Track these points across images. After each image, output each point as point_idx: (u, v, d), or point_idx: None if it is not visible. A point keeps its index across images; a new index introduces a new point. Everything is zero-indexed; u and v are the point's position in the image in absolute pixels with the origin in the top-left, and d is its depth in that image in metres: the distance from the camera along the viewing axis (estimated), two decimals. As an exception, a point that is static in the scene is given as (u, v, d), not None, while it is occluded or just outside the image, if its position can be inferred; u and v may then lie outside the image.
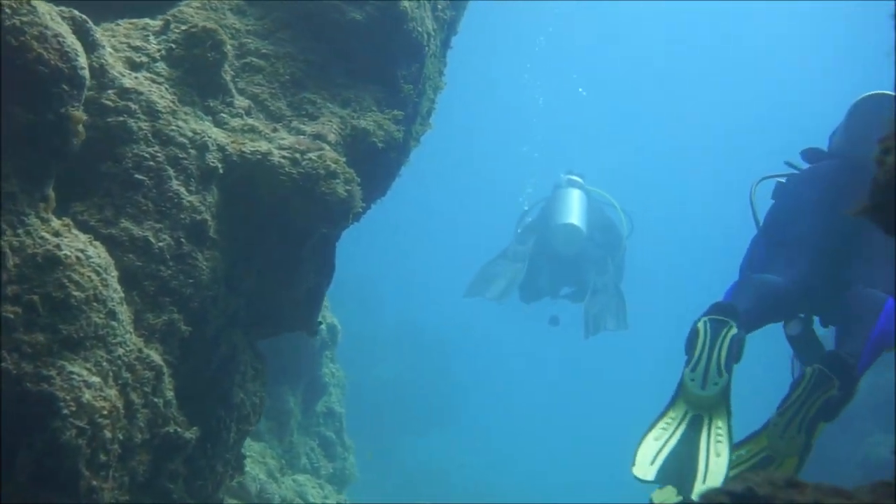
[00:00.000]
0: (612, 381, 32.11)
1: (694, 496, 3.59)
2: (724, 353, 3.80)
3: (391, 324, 23.58)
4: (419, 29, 3.86)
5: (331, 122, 3.58)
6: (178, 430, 3.01)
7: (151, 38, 3.31)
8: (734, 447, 3.81)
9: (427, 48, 3.99)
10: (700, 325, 3.89)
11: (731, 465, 3.71)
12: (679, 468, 3.69)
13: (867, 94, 4.49)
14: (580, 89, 28.83)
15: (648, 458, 3.71)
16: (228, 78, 3.45)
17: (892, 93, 4.43)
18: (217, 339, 3.37)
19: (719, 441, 3.73)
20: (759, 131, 32.97)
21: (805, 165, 5.00)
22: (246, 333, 3.70)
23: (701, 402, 3.79)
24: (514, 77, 30.50)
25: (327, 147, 3.45)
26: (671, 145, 37.28)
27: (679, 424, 3.80)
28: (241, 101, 3.50)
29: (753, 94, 34.73)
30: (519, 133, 30.59)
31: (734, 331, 3.86)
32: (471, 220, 33.73)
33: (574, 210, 10.61)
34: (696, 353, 3.82)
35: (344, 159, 3.46)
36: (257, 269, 3.57)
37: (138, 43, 3.27)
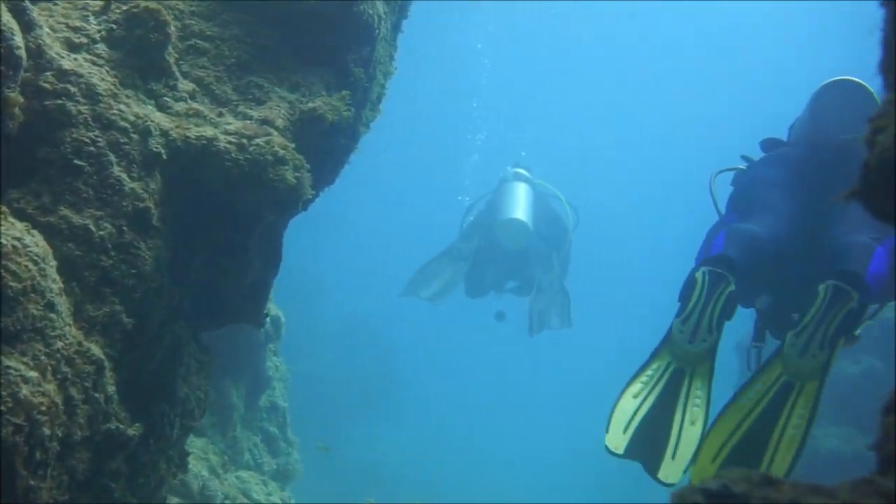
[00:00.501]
0: (559, 376, 32.32)
1: (660, 475, 3.56)
2: (718, 310, 3.73)
3: (334, 316, 23.52)
4: (370, 11, 3.78)
5: (279, 106, 3.48)
6: (120, 426, 2.91)
7: (91, 18, 3.19)
8: (748, 384, 3.79)
9: (378, 31, 3.91)
10: (699, 275, 3.79)
11: (744, 409, 3.69)
12: (651, 438, 3.65)
13: (831, 80, 4.47)
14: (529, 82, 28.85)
15: (622, 422, 3.68)
16: (172, 60, 3.35)
17: (856, 79, 4.42)
18: (161, 332, 3.27)
19: (696, 406, 3.71)
20: (712, 124, 33.40)
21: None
22: (190, 325, 3.60)
23: (686, 356, 3.76)
24: (463, 63, 30.44)
25: (275, 132, 3.36)
26: (623, 137, 37.63)
27: (660, 378, 3.76)
28: (185, 85, 3.39)
29: (705, 84, 35.10)
30: (468, 122, 30.61)
31: (732, 287, 3.77)
32: (418, 211, 33.69)
33: (520, 204, 10.59)
34: (691, 304, 3.75)
35: (293, 145, 3.36)
36: (202, 258, 3.47)
37: (78, 23, 3.15)
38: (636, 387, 3.76)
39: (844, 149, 4.22)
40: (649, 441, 3.64)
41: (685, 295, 3.80)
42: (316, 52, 3.72)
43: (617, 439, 3.63)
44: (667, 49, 35.08)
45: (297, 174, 3.31)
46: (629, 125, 37.29)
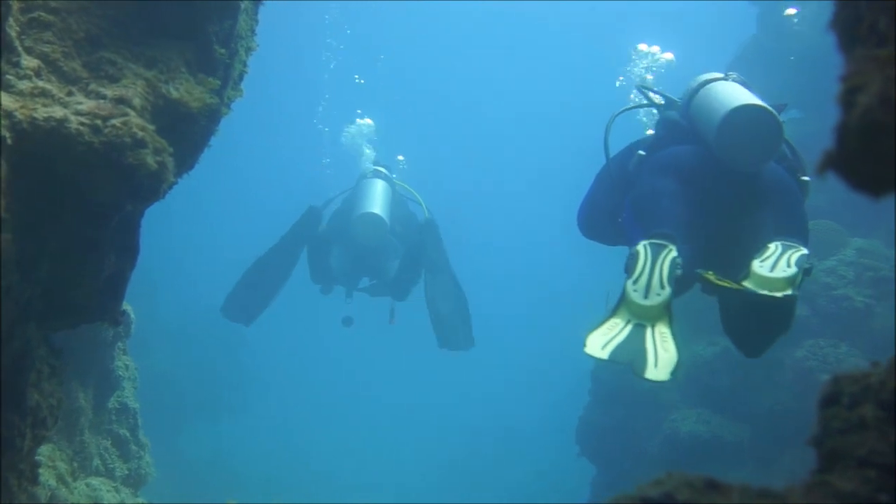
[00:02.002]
0: (408, 378, 32.57)
1: (647, 375, 3.79)
2: (665, 270, 3.97)
3: (175, 309, 23.09)
4: (232, -20, 3.57)
5: (135, 84, 3.24)
6: (-31, 442, 2.65)
7: (-82, -15, 2.89)
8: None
9: (240, 2, 3.69)
10: (640, 247, 4.08)
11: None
12: (630, 354, 3.86)
13: (743, 103, 4.66)
14: (358, 78, 28.65)
15: (599, 345, 3.88)
16: (14, 34, 3.06)
17: (765, 105, 4.68)
18: (10, 334, 3.00)
19: (665, 341, 3.91)
20: (564, 131, 34.22)
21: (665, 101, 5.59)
22: (40, 326, 3.33)
23: (643, 312, 3.94)
24: (313, 58, 30.10)
25: (132, 112, 3.11)
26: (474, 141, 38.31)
27: (623, 328, 3.94)
28: (29, 62, 3.11)
29: (564, 94, 35.93)
30: (315, 116, 30.41)
31: (674, 253, 4.06)
32: (264, 204, 33.35)
33: (377, 200, 10.74)
34: (638, 269, 4.00)
35: (153, 127, 3.13)
36: (53, 252, 3.20)
37: None
38: (601, 331, 3.96)
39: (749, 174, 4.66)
40: (628, 356, 3.88)
41: (630, 264, 4.08)
42: (174, 24, 3.48)
43: (597, 351, 3.86)
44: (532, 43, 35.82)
45: (158, 158, 3.09)
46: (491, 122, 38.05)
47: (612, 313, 4.05)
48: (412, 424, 31.07)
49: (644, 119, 6.26)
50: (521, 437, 30.02)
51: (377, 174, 11.36)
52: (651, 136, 5.40)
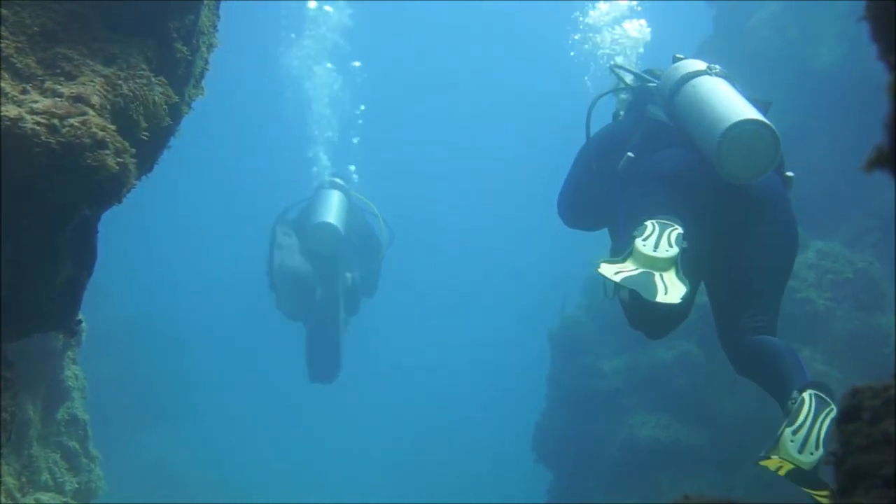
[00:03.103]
0: (356, 383, 32.57)
1: (658, 299, 3.94)
2: (673, 238, 4.16)
3: (116, 316, 22.85)
4: (194, -26, 3.45)
5: (93, 82, 3.11)
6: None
7: None
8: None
9: (202, -2, 3.58)
10: (648, 223, 4.23)
11: None
12: (639, 285, 4.04)
13: (743, 118, 4.62)
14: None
15: (611, 271, 4.07)
16: (-36, 28, 2.93)
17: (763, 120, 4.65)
18: (-38, 347, 2.87)
19: (673, 281, 4.08)
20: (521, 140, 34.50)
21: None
22: (-7, 337, 3.19)
23: (652, 262, 4.08)
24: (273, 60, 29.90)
25: (91, 111, 2.99)
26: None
27: (633, 269, 4.12)
28: (-20, 57, 2.98)
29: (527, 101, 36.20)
30: (271, 120, 30.30)
31: (680, 230, 4.23)
32: (213, 211, 33.15)
33: (333, 210, 10.89)
34: (647, 232, 4.17)
35: (113, 126, 3.00)
36: (6, 258, 3.07)
37: None
38: (611, 265, 4.20)
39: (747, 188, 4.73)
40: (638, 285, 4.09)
41: (638, 228, 4.26)
42: (134, 19, 3.35)
43: (609, 274, 4.15)
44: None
45: (119, 159, 2.97)
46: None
47: (624, 257, 4.17)
48: (361, 429, 31.04)
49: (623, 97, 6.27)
50: (475, 444, 30.02)
51: (334, 185, 11.43)
52: (637, 135, 5.27)
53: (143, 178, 3.77)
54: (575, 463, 13.20)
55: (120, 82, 3.18)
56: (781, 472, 3.94)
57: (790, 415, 3.96)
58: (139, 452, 21.07)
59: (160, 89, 3.27)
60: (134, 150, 3.07)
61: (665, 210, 4.61)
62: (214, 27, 3.90)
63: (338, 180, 11.63)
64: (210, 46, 3.90)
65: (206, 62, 3.92)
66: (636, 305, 4.19)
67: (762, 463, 3.97)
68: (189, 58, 3.64)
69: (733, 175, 4.63)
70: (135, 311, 23.27)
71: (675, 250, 4.11)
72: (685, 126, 5.00)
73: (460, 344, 36.16)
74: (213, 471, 23.77)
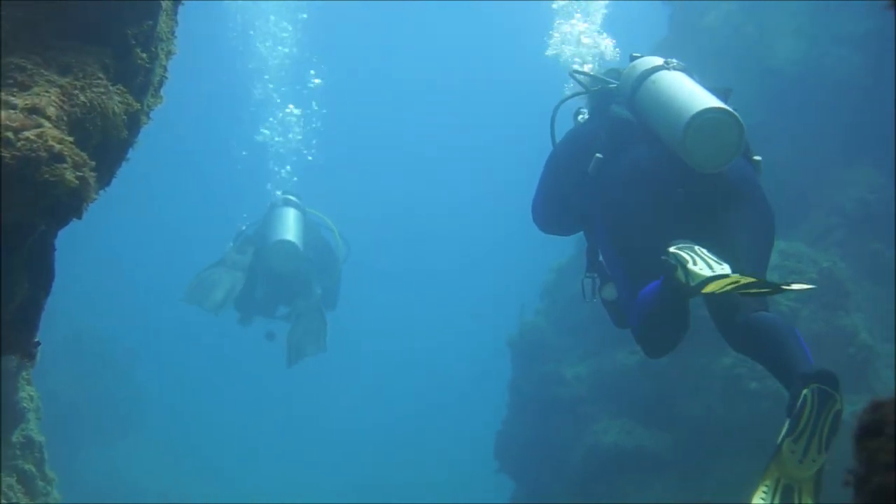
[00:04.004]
0: (314, 394, 32.54)
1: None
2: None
3: (65, 331, 22.66)
4: (152, -22, 3.32)
5: (48, 92, 2.98)
6: None
7: None
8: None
9: (161, 0, 3.44)
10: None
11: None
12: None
13: (706, 107, 4.69)
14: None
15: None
16: (-90, 37, 2.79)
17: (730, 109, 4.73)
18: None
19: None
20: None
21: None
22: (-54, 363, 3.05)
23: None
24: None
25: (48, 123, 2.86)
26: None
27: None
28: (-73, 67, 2.84)
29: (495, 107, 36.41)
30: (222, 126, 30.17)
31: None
32: (166, 222, 32.87)
33: (290, 227, 11.04)
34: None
35: (71, 138, 2.87)
36: (-40, 280, 2.93)
37: None
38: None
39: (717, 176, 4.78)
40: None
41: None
42: (89, 25, 3.22)
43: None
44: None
45: (78, 173, 2.84)
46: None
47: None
48: (318, 439, 30.94)
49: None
50: (436, 454, 30.00)
51: (288, 202, 11.58)
52: (603, 135, 5.30)
53: (102, 192, 3.64)
54: (538, 471, 13.14)
55: (76, 92, 3.05)
56: (780, 485, 3.86)
57: (792, 419, 3.91)
58: (91, 467, 21.01)
59: (119, 98, 3.14)
60: (93, 164, 2.94)
61: (645, 215, 4.79)
62: (173, 33, 3.77)
63: (291, 197, 11.73)
64: (168, 53, 3.77)
65: (165, 70, 3.80)
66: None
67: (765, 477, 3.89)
68: (148, 65, 3.51)
69: (702, 164, 4.70)
70: (81, 326, 23.07)
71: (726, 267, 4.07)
72: (649, 122, 5.08)
73: (418, 355, 36.15)
74: (166, 481, 23.76)
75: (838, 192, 11.81)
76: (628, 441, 11.41)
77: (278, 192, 12.03)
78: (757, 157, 5.04)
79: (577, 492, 11.85)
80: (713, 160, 4.69)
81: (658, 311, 4.42)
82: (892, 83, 10.51)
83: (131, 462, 23.58)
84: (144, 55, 3.41)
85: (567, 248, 13.78)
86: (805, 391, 3.86)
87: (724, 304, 4.51)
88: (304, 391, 31.73)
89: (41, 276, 3.33)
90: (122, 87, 3.22)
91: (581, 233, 5.75)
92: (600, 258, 5.35)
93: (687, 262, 4.03)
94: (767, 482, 3.84)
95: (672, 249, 4.14)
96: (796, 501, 3.81)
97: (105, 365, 22.95)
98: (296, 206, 11.58)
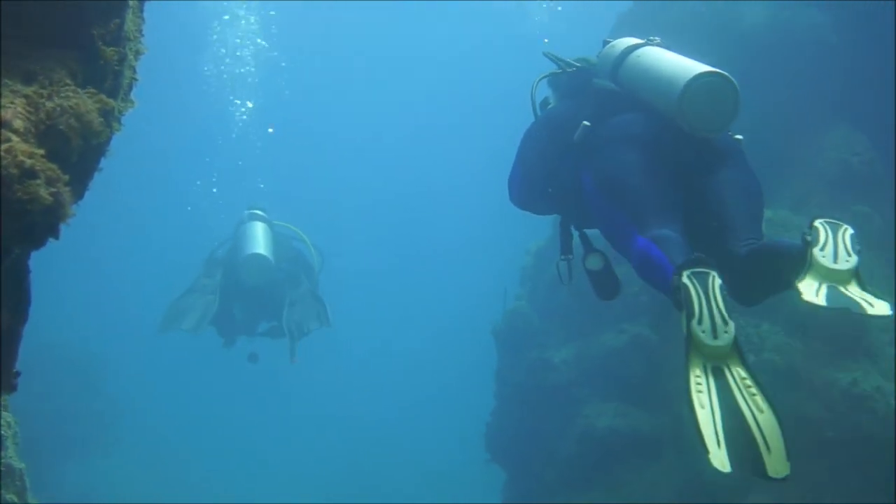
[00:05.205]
0: (299, 393, 32.53)
1: (770, 474, 3.60)
2: (721, 303, 3.87)
3: (32, 347, 22.43)
4: (118, -28, 3.10)
5: (13, 103, 2.75)
6: None
7: None
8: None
9: (128, -1, 3.22)
10: (685, 280, 3.94)
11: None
12: (741, 442, 3.67)
13: (704, 70, 4.76)
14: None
15: (713, 439, 3.61)
16: None
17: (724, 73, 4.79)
18: None
19: (751, 390, 3.79)
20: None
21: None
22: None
23: (714, 353, 3.84)
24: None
25: (15, 137, 2.64)
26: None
27: (707, 380, 3.79)
28: None
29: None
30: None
31: (718, 280, 3.96)
32: (136, 234, 32.64)
33: (259, 241, 11.20)
34: (695, 306, 3.84)
35: (41, 151, 2.66)
36: (-70, 314, 2.71)
37: None
38: (697, 399, 3.75)
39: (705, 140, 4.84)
40: (742, 445, 3.68)
41: (685, 301, 3.88)
42: (53, 29, 2.99)
43: (719, 457, 3.57)
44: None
45: (52, 189, 2.63)
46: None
47: (689, 365, 3.87)
48: (306, 439, 30.87)
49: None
50: (426, 447, 29.96)
51: (254, 217, 11.76)
52: (589, 106, 5.33)
53: (74, 206, 3.41)
54: (530, 460, 13.03)
55: (44, 101, 2.82)
56: (819, 297, 3.85)
57: (809, 241, 4.02)
58: (61, 484, 20.84)
59: (92, 100, 2.92)
60: (67, 178, 2.72)
61: (638, 174, 4.77)
62: (140, 31, 3.55)
63: (257, 212, 11.90)
64: (137, 53, 3.55)
65: (135, 71, 3.57)
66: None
67: (799, 286, 3.87)
68: (117, 68, 3.29)
69: (697, 127, 4.78)
70: (50, 341, 22.83)
71: (731, 327, 3.90)
72: (636, 90, 5.16)
73: (402, 350, 36.11)
74: (137, 496, 23.73)
75: (817, 156, 11.73)
76: (623, 424, 11.31)
77: (244, 210, 12.09)
78: (738, 136, 5.12)
79: (571, 479, 11.75)
80: (710, 123, 4.78)
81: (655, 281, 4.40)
82: (866, 42, 10.45)
83: (110, 476, 23.52)
84: (115, 56, 3.19)
85: (545, 229, 13.66)
86: (815, 223, 4.08)
87: (723, 257, 4.51)
88: (288, 393, 31.67)
89: (18, 303, 3.10)
90: (92, 90, 3.00)
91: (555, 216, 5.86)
92: (575, 234, 5.58)
93: (693, 315, 3.86)
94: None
95: (684, 278, 3.98)
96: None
97: (77, 376, 22.82)
98: (262, 219, 11.72)
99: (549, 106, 5.88)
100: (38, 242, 2.83)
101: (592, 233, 5.42)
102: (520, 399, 13.20)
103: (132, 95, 3.60)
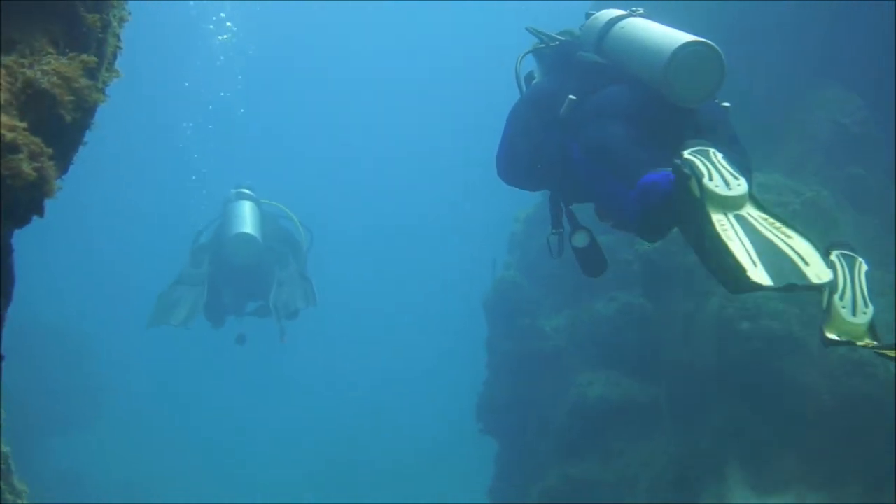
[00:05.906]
0: (289, 369, 32.58)
1: (813, 279, 3.63)
2: (726, 164, 3.96)
3: (12, 324, 22.45)
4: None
5: (-7, 73, 2.61)
6: None
7: None
8: None
9: (109, -40, 3.08)
10: (686, 156, 4.00)
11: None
12: (773, 261, 3.66)
13: (690, 40, 4.71)
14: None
15: (748, 260, 3.62)
16: None
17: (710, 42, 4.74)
18: None
19: (775, 224, 3.83)
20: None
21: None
22: None
23: (731, 203, 3.85)
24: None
25: (-5, 110, 2.50)
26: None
27: (730, 221, 3.79)
28: None
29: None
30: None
31: (719, 153, 4.05)
32: (109, 210, 32.48)
33: (246, 220, 11.13)
34: (703, 168, 3.91)
35: (24, 125, 2.52)
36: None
37: None
38: (722, 234, 3.75)
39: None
40: (778, 267, 3.67)
41: (691, 168, 3.92)
42: (33, -6, 2.84)
43: (757, 273, 3.59)
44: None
45: (36, 164, 2.50)
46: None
47: (707, 215, 3.84)
48: (295, 417, 30.87)
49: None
50: (417, 420, 30.00)
51: (241, 195, 11.68)
52: (574, 79, 5.33)
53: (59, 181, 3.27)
54: (522, 430, 12.98)
55: (24, 70, 2.69)
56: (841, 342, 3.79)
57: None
58: (46, 460, 20.90)
59: (72, 63, 2.78)
60: (51, 151, 2.59)
61: (630, 142, 4.73)
62: (123, -3, 3.40)
63: (244, 191, 11.83)
64: (121, 20, 3.40)
65: (119, 39, 3.43)
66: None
67: (828, 335, 3.75)
68: (101, 35, 3.15)
69: (683, 97, 4.75)
70: (34, 318, 22.74)
71: (743, 181, 3.93)
72: (622, 62, 5.12)
73: (392, 323, 36.05)
74: (123, 472, 23.70)
75: (809, 117, 11.62)
76: (615, 393, 11.25)
77: (231, 189, 11.99)
78: (726, 104, 5.09)
79: (564, 449, 11.68)
80: (696, 93, 4.75)
81: (663, 208, 4.30)
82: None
83: (85, 454, 23.57)
84: (98, 23, 3.04)
85: (533, 196, 13.56)
86: (830, 256, 3.91)
87: None
88: (277, 370, 31.66)
89: (2, 284, 2.97)
90: (73, 55, 2.86)
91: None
92: (564, 209, 5.52)
93: (703, 175, 3.89)
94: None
95: (686, 155, 4.00)
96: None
97: (57, 357, 22.74)
98: (249, 198, 11.65)
99: (534, 81, 5.86)
100: (22, 220, 2.70)
101: (579, 208, 5.42)
102: (511, 368, 13.14)
103: (117, 65, 3.45)
